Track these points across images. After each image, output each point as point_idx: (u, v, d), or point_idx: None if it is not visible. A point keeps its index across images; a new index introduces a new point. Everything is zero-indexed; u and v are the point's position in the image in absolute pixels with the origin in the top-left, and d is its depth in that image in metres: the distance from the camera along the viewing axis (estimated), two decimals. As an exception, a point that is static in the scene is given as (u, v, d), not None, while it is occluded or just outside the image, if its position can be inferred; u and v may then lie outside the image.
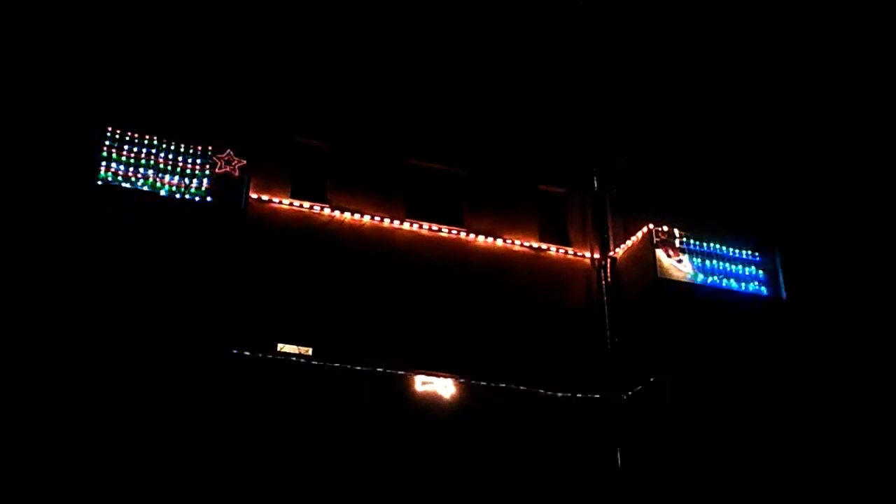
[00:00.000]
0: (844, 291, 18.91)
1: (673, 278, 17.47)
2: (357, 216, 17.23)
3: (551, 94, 19.46)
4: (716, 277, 17.84)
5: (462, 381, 16.42)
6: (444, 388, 16.27)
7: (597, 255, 18.65)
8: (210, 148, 16.24)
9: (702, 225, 18.15)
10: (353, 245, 16.91)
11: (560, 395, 17.03)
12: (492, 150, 18.90)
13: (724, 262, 18.07)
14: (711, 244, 18.11)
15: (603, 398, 17.25)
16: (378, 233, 17.28)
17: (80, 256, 14.59)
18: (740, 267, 18.16)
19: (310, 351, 15.88)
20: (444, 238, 17.74)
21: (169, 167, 15.91)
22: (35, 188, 14.94)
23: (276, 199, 16.82)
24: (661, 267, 17.45)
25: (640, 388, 16.96)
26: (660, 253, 17.54)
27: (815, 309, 18.32)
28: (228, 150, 16.32)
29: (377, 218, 17.36)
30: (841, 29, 20.00)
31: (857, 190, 20.16)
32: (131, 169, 15.64)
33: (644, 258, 17.67)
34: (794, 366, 17.52)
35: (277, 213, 16.75)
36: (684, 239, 17.85)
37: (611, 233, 18.72)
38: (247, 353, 15.28)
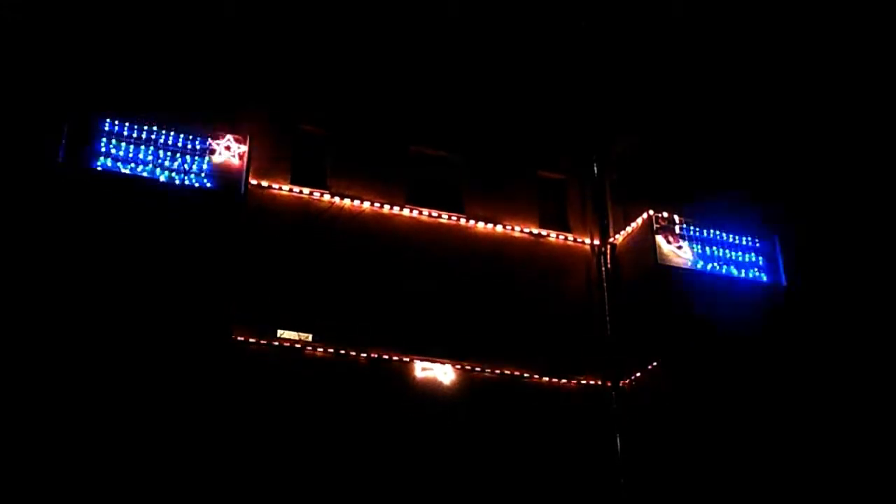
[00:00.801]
0: (844, 277, 18.94)
1: (673, 264, 17.48)
2: (357, 202, 17.22)
3: (551, 81, 19.43)
4: (715, 264, 17.86)
5: (461, 367, 16.46)
6: (443, 374, 16.31)
7: (596, 242, 18.65)
8: (210, 134, 16.22)
9: (702, 211, 18.14)
10: (353, 231, 16.90)
11: (559, 380, 17.09)
12: (492, 137, 18.87)
13: (724, 248, 18.09)
14: (711, 230, 18.11)
15: (602, 384, 17.30)
16: (378, 219, 17.28)
17: (81, 244, 14.59)
18: (740, 253, 18.18)
19: (310, 337, 15.93)
20: (443, 224, 17.75)
21: (168, 153, 15.90)
22: (35, 174, 14.93)
23: (275, 186, 16.82)
24: (661, 253, 17.46)
25: (639, 374, 17.00)
26: (660, 239, 17.54)
27: (815, 295, 18.34)
28: (228, 136, 16.29)
29: (377, 204, 17.35)
30: (840, 19, 19.95)
31: (856, 177, 20.16)
32: (131, 155, 15.63)
33: (644, 244, 17.67)
34: (794, 352, 17.54)
35: (277, 200, 16.74)
36: (684, 225, 17.85)
37: (611, 219, 18.72)
38: (247, 338, 15.33)
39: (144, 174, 15.59)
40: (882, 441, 17.66)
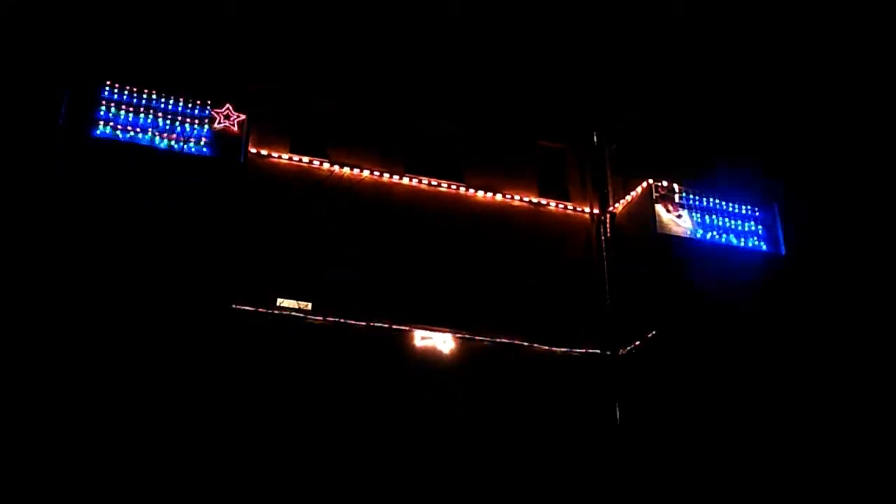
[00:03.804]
0: (843, 247, 18.96)
1: (672, 233, 17.49)
2: (356, 171, 17.20)
3: (551, 50, 19.33)
4: (715, 232, 17.87)
5: (461, 336, 16.51)
6: (443, 343, 16.36)
7: (596, 211, 18.64)
8: (209, 102, 16.18)
9: (701, 180, 18.12)
10: (352, 200, 16.89)
11: (559, 349, 17.14)
12: (492, 106, 18.78)
13: (724, 217, 18.09)
14: (711, 199, 18.10)
15: (601, 353, 17.35)
16: (377, 188, 17.26)
17: (80, 211, 14.61)
18: (739, 222, 18.18)
19: (309, 306, 15.96)
20: (443, 193, 17.73)
21: (168, 121, 15.86)
22: (33, 142, 14.92)
23: (275, 154, 16.79)
24: (661, 222, 17.46)
25: (638, 342, 17.05)
26: (659, 208, 17.54)
27: (814, 264, 18.36)
28: (228, 105, 16.26)
29: (376, 173, 17.33)
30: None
31: (855, 146, 20.12)
32: (130, 123, 15.59)
33: (643, 213, 17.67)
34: (793, 320, 17.59)
35: (277, 168, 16.73)
36: (684, 194, 17.84)
37: (610, 188, 18.68)
38: (247, 307, 15.36)
39: (144, 142, 15.56)
40: (879, 411, 17.74)
